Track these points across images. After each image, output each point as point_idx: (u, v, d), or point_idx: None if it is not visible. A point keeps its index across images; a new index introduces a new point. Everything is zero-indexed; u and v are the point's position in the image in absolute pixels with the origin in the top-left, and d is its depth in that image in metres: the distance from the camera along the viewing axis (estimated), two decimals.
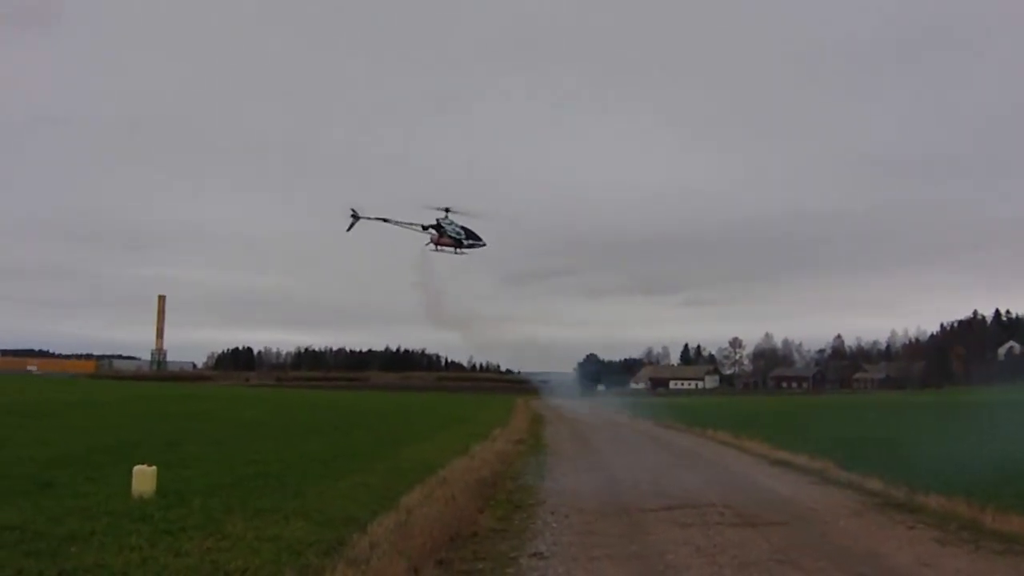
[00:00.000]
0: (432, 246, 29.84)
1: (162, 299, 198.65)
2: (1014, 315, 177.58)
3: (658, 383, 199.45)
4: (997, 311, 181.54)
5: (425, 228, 29.65)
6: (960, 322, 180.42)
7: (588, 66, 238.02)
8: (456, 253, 29.93)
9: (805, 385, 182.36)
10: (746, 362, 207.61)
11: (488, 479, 20.62)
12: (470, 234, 29.67)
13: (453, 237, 29.51)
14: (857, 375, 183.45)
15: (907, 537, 13.60)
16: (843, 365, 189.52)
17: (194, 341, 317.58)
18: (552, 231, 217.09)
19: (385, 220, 29.76)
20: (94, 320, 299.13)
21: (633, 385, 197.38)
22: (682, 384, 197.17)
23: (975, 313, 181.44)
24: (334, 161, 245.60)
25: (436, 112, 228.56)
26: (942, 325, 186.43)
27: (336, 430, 35.81)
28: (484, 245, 29.99)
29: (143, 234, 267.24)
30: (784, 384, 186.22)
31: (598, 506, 17.11)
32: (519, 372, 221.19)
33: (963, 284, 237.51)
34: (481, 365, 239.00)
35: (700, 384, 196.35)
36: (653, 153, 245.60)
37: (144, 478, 15.80)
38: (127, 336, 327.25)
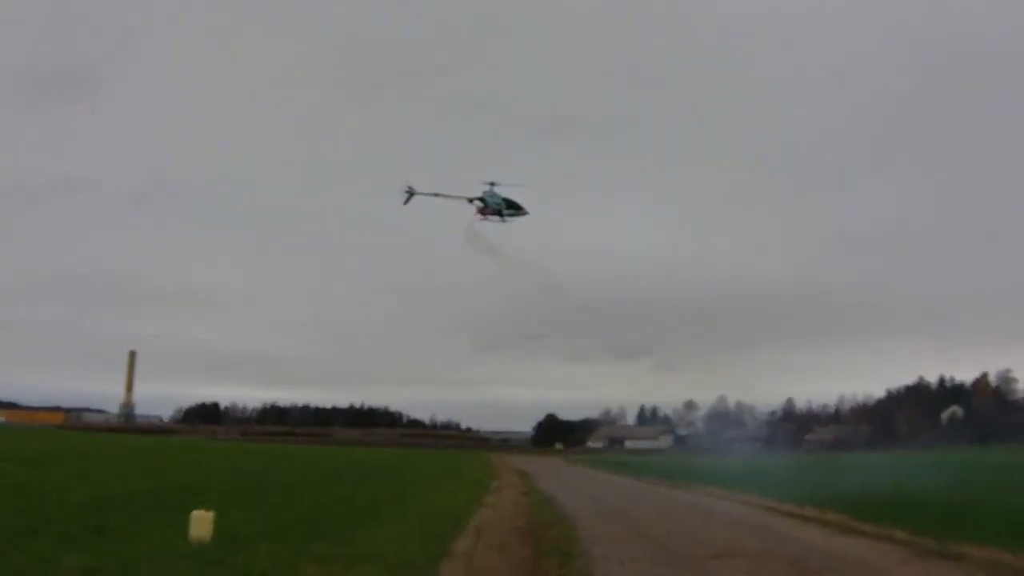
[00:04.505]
0: (479, 216, 30.50)
1: (133, 354, 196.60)
2: (957, 381, 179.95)
3: (615, 442, 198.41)
4: (941, 377, 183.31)
5: (471, 200, 30.36)
6: (906, 387, 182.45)
7: (583, 144, 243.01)
8: (502, 222, 30.59)
9: (758, 445, 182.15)
10: (700, 424, 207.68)
11: (524, 528, 20.15)
12: (511, 204, 30.44)
13: (494, 208, 30.18)
14: (807, 436, 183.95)
15: None
16: (793, 427, 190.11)
17: (161, 395, 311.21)
18: (535, 299, 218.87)
19: (436, 195, 30.56)
20: (63, 373, 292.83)
21: (590, 444, 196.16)
22: (638, 443, 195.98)
23: (920, 379, 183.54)
24: (324, 227, 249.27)
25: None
26: (888, 390, 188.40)
27: (339, 481, 35.05)
28: (526, 214, 30.62)
29: (117, 291, 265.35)
30: (737, 445, 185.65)
31: (648, 554, 16.70)
32: (479, 430, 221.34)
33: (909, 352, 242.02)
34: (442, 423, 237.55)
35: (655, 444, 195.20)
36: (633, 228, 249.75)
37: (202, 523, 15.22)
38: (95, 389, 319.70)
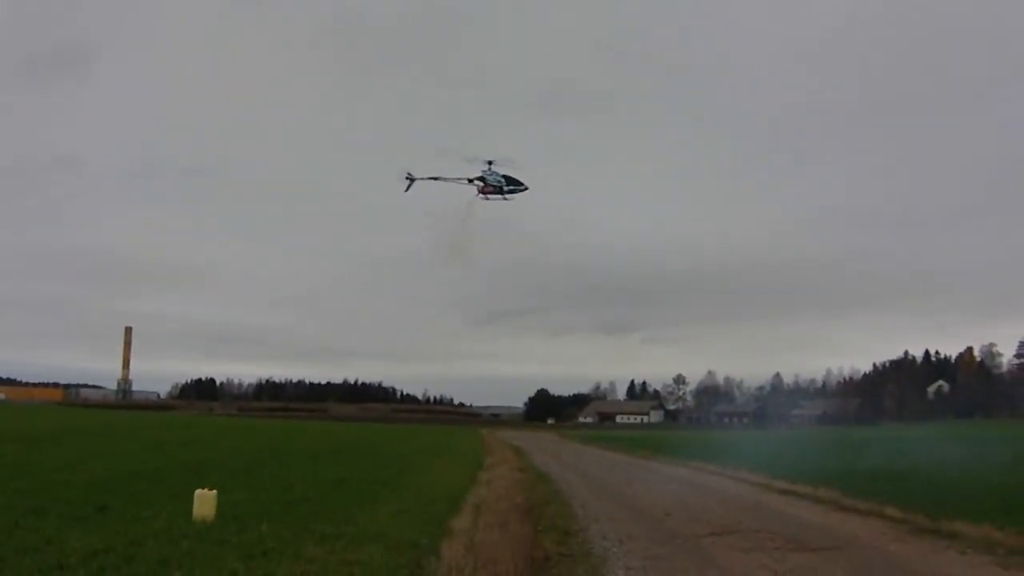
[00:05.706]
0: (481, 196, 30.58)
1: (129, 331, 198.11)
2: (943, 355, 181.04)
3: (605, 417, 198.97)
4: (927, 351, 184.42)
5: (471, 181, 30.38)
6: (892, 362, 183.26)
7: (575, 122, 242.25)
8: (504, 199, 30.69)
9: (746, 420, 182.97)
10: (689, 398, 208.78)
11: (522, 506, 20.14)
12: (511, 180, 30.48)
13: (495, 185, 30.22)
14: (795, 411, 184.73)
15: (964, 562, 13.40)
16: (782, 401, 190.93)
17: (158, 371, 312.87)
18: (526, 273, 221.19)
19: (436, 178, 30.57)
20: (61, 350, 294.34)
21: (581, 419, 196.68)
22: (628, 418, 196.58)
23: (906, 353, 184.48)
24: (318, 204, 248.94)
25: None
26: (875, 364, 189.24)
27: (337, 459, 35.03)
28: (526, 189, 30.71)
29: (113, 269, 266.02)
30: (726, 419, 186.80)
31: (645, 532, 16.71)
32: (471, 405, 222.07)
33: (896, 327, 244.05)
34: (435, 398, 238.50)
35: (646, 419, 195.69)
36: (622, 203, 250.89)
37: (206, 502, 15.18)
38: (93, 366, 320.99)
